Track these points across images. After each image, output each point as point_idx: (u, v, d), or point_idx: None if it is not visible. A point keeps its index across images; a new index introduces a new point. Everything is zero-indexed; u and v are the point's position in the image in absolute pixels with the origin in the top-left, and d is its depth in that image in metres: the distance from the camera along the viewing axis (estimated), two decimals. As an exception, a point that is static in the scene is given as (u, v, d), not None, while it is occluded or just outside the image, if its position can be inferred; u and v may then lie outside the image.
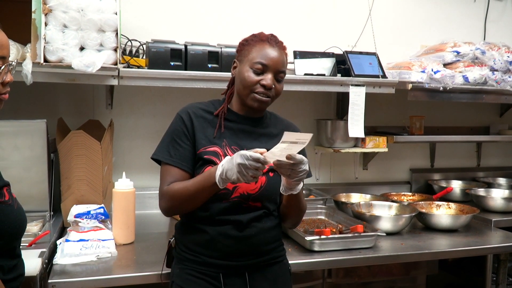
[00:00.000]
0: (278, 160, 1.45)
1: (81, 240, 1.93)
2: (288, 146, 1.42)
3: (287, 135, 1.40)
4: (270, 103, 1.64)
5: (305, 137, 1.42)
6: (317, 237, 2.05)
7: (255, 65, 1.58)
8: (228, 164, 1.44)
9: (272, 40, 1.63)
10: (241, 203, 1.59)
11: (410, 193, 3.12)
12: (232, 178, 1.42)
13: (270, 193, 1.63)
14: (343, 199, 2.82)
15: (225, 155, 1.59)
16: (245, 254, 1.61)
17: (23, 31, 2.07)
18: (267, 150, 1.64)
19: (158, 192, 1.63)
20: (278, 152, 1.44)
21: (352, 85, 2.60)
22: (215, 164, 1.55)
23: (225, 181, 1.46)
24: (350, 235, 2.10)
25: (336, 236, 2.09)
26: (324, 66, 2.64)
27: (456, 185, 3.28)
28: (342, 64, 2.67)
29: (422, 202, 2.75)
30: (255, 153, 1.42)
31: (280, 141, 1.40)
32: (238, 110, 1.68)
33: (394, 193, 3.09)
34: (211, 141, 1.62)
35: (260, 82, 1.58)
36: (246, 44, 1.64)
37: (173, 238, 1.73)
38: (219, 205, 1.58)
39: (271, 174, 1.64)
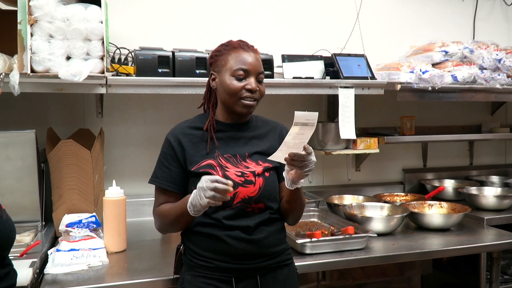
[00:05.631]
0: (294, 153, 1.48)
1: (71, 249, 1.93)
2: (300, 130, 1.46)
3: (298, 116, 1.45)
4: (256, 106, 1.68)
5: (313, 117, 1.46)
6: (308, 239, 2.05)
7: (236, 72, 1.62)
8: (196, 191, 1.49)
9: (244, 45, 1.67)
10: (245, 208, 1.62)
11: (403, 194, 3.12)
12: (200, 202, 1.46)
13: (270, 192, 1.66)
14: (335, 201, 2.82)
15: (219, 166, 1.62)
16: (256, 256, 1.63)
17: (10, 42, 2.08)
18: (259, 151, 1.70)
19: (150, 199, 1.71)
20: (291, 141, 1.48)
21: (341, 87, 2.61)
22: (211, 175, 1.57)
23: (195, 207, 1.49)
24: (341, 237, 2.10)
25: (327, 238, 2.09)
26: (313, 69, 2.64)
27: (449, 184, 3.28)
28: (331, 67, 2.67)
29: (414, 202, 2.74)
30: (215, 176, 1.47)
31: (293, 123, 1.45)
32: (225, 119, 1.71)
33: (387, 193, 3.09)
34: (204, 156, 1.65)
35: (245, 87, 1.62)
36: (219, 54, 1.67)
37: (182, 245, 1.73)
38: (224, 213, 1.61)
39: (267, 174, 1.67)
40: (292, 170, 1.55)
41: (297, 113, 1.45)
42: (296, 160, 1.49)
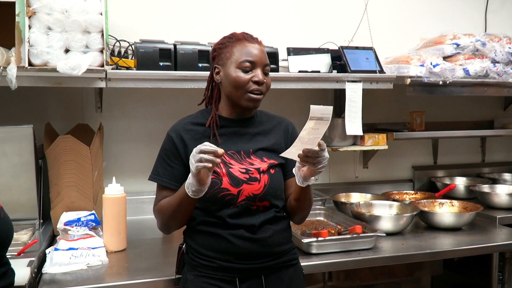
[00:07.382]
0: (308, 149, 1.44)
1: (70, 248, 1.90)
2: (315, 125, 1.41)
3: (314, 110, 1.40)
4: (261, 100, 1.63)
5: (328, 111, 1.42)
6: (314, 239, 2.00)
7: (242, 64, 1.58)
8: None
9: (248, 36, 1.64)
10: (250, 206, 1.59)
11: (412, 192, 3.06)
12: (192, 171, 1.42)
13: (275, 190, 1.63)
14: (342, 199, 2.77)
15: (223, 162, 1.59)
16: (261, 256, 1.60)
17: (7, 35, 2.05)
18: (264, 147, 1.66)
19: (151, 196, 1.70)
20: (306, 137, 1.43)
21: (348, 81, 2.55)
22: (215, 172, 1.55)
23: (193, 186, 1.45)
24: (348, 236, 2.05)
25: (334, 237, 2.04)
26: (319, 62, 2.59)
27: (461, 182, 3.23)
28: (338, 60, 2.62)
29: (424, 200, 2.70)
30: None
31: (309, 118, 1.40)
32: (228, 115, 1.67)
33: (396, 191, 3.04)
34: None
35: (252, 79, 1.58)
36: (223, 47, 1.63)
37: (184, 244, 1.70)
38: (228, 211, 1.58)
39: (272, 171, 1.63)
40: (304, 167, 1.52)
41: (313, 107, 1.39)
42: (310, 157, 1.45)
